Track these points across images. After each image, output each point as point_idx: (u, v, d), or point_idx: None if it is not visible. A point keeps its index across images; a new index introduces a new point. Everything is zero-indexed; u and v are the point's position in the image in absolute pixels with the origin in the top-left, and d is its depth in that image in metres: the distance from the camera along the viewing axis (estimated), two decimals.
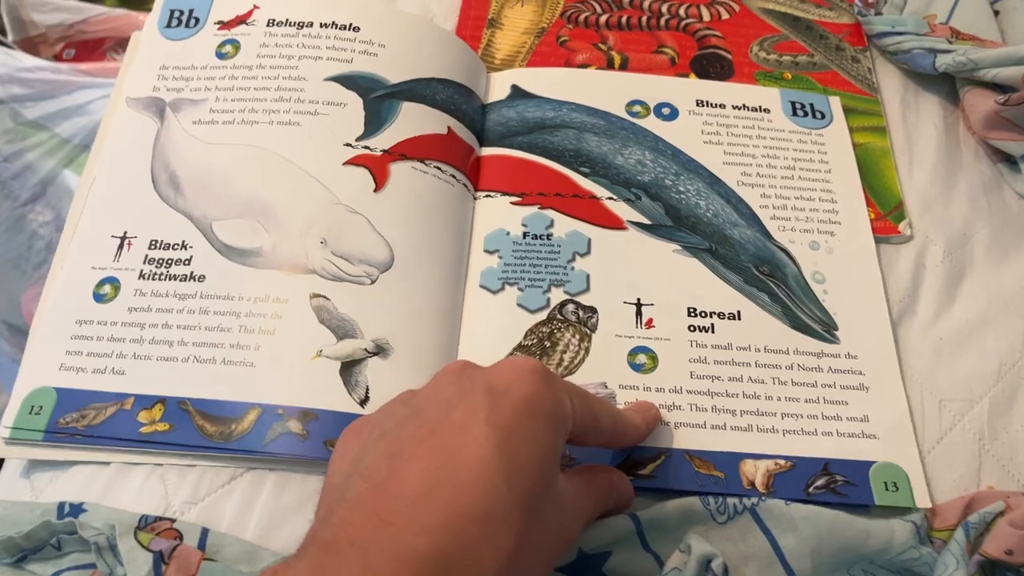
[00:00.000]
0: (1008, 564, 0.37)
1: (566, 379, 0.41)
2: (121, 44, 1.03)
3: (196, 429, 0.42)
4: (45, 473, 0.44)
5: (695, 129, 0.55)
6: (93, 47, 1.03)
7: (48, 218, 0.97)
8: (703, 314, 0.47)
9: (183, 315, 0.45)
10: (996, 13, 0.61)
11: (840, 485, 0.42)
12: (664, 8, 0.63)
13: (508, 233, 0.50)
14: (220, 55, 0.54)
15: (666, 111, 0.55)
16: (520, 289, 0.48)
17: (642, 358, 0.45)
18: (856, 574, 0.39)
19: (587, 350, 0.46)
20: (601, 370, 0.45)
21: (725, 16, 0.63)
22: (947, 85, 0.58)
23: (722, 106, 0.56)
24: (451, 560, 0.28)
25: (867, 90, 0.58)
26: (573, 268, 0.48)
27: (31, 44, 1.02)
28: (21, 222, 0.97)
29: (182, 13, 0.56)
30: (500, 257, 0.49)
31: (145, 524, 0.40)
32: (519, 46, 0.60)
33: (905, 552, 0.38)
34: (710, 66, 0.59)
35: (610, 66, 0.59)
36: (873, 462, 0.42)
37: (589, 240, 0.50)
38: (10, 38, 1.03)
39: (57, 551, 0.40)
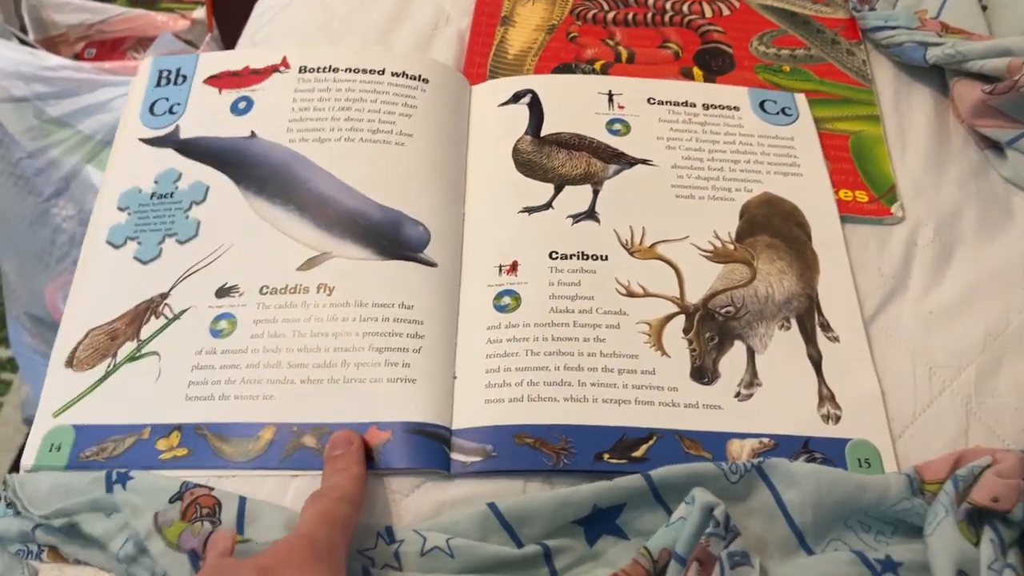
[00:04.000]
0: (994, 510, 0.40)
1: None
2: (141, 43, 1.06)
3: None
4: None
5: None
6: (113, 46, 1.06)
7: (71, 212, 0.99)
8: None
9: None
10: (984, 8, 0.65)
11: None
12: (668, 5, 0.66)
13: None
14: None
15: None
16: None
17: None
18: (853, 525, 0.42)
19: None
20: None
21: (726, 12, 0.66)
22: (937, 76, 0.62)
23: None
24: None
25: (862, 81, 0.61)
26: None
27: (52, 44, 1.05)
28: (45, 216, 1.00)
29: None
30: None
31: (185, 489, 0.43)
32: (531, 42, 0.64)
33: (899, 503, 0.41)
34: (712, 60, 0.63)
35: (617, 60, 0.62)
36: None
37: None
38: (31, 37, 1.05)
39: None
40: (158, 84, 0.59)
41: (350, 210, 0.52)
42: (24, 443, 0.46)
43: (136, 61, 1.01)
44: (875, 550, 0.41)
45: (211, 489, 0.43)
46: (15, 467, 0.46)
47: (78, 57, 1.06)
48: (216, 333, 0.48)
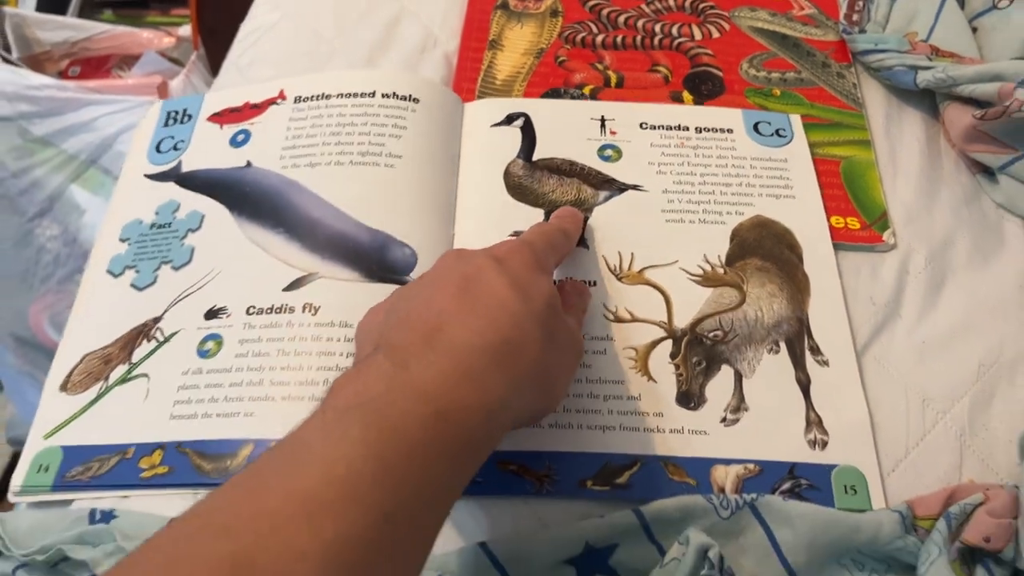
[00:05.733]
0: (986, 550, 0.40)
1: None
2: (125, 60, 1.05)
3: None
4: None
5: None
6: (98, 64, 1.05)
7: (55, 232, 0.99)
8: None
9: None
10: (974, 30, 0.64)
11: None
12: (657, 28, 0.66)
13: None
14: None
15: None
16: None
17: None
18: (847, 564, 0.42)
19: None
20: None
21: (716, 35, 0.66)
22: (928, 100, 0.61)
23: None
24: (501, 349, 0.35)
25: (852, 105, 0.61)
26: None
27: (36, 61, 1.04)
28: (29, 236, 0.99)
29: None
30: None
31: None
32: (519, 67, 0.63)
33: (892, 543, 0.41)
34: (702, 83, 0.62)
35: (607, 84, 0.62)
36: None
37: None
38: (15, 55, 1.05)
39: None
40: (166, 124, 0.61)
41: (338, 232, 0.52)
42: (8, 464, 0.47)
43: (120, 80, 1.01)
44: None
45: None
46: (1, 488, 0.46)
47: (62, 75, 1.05)
48: (203, 354, 0.48)
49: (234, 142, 0.58)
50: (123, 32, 1.03)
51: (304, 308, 0.49)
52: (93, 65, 1.04)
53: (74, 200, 0.97)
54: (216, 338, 0.49)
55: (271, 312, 0.49)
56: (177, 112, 0.61)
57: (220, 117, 0.60)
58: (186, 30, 1.06)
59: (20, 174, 0.96)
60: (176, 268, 0.52)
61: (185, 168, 0.58)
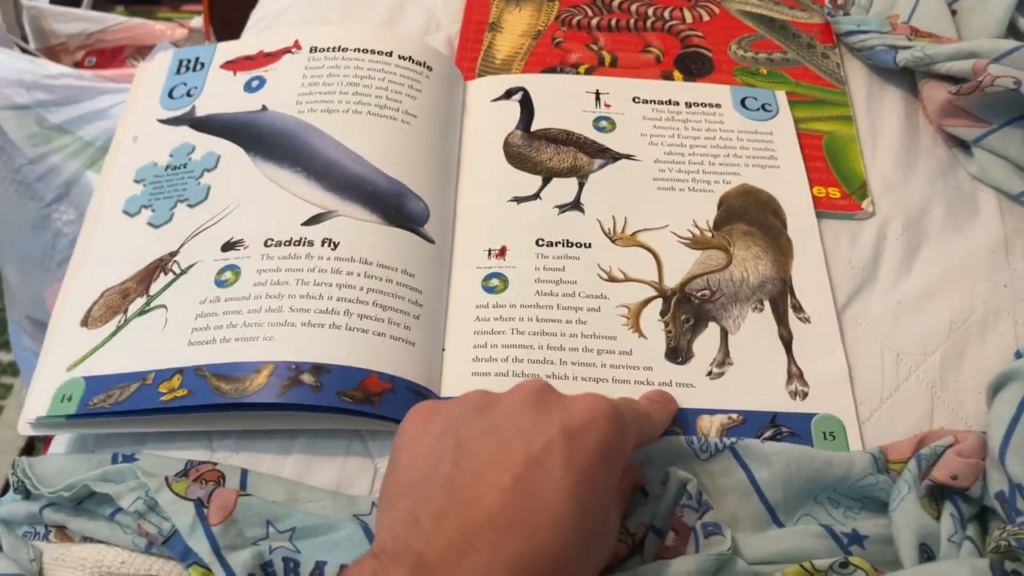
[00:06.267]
0: (953, 488, 0.42)
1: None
2: (140, 52, 1.08)
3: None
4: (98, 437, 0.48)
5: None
6: (112, 55, 1.08)
7: (72, 217, 1.02)
8: None
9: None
10: (954, 13, 0.67)
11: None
12: (650, 11, 0.69)
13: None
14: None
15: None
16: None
17: None
18: (822, 501, 0.44)
19: None
20: None
21: (706, 18, 0.69)
22: (908, 79, 0.64)
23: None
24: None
25: (836, 83, 0.64)
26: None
27: (53, 52, 1.08)
28: (46, 221, 1.02)
29: None
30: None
31: (190, 466, 0.45)
32: (517, 48, 0.66)
33: (864, 479, 0.43)
34: (692, 64, 0.65)
35: (601, 64, 0.65)
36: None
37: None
38: (32, 46, 1.08)
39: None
40: (178, 72, 0.62)
41: (357, 175, 0.54)
42: (28, 443, 0.48)
43: (135, 69, 1.04)
44: (842, 524, 0.43)
45: (215, 464, 0.46)
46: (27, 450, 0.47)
47: (78, 65, 1.08)
48: (221, 283, 0.50)
49: (248, 87, 0.60)
50: (137, 24, 1.06)
51: (324, 243, 0.51)
52: (108, 56, 1.07)
53: (90, 186, 0.99)
54: (234, 268, 0.50)
55: (290, 244, 0.51)
56: (189, 60, 0.62)
57: (234, 64, 0.61)
58: (198, 22, 1.09)
59: (38, 160, 0.99)
60: (192, 206, 0.54)
61: (199, 113, 0.59)
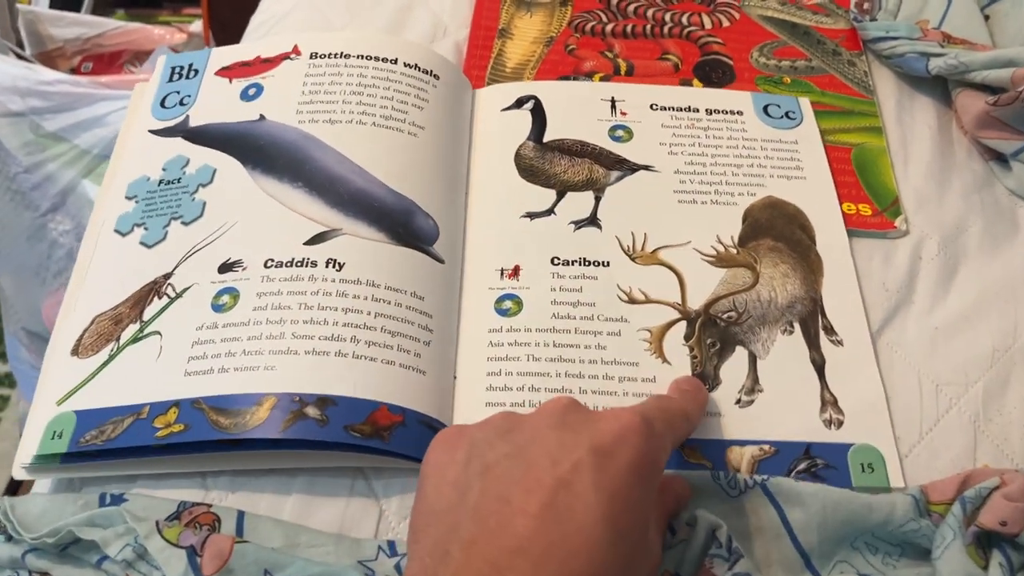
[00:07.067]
0: (1002, 535, 0.39)
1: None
2: (138, 57, 1.06)
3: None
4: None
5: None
6: (110, 60, 1.06)
7: (68, 227, 0.99)
8: None
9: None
10: (987, 17, 0.64)
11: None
12: (667, 16, 0.66)
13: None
14: None
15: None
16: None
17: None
18: (859, 547, 0.41)
19: None
20: None
21: (726, 24, 0.66)
22: (940, 87, 0.61)
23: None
24: None
25: (864, 92, 0.61)
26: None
27: (49, 58, 1.05)
28: (42, 231, 1.00)
29: None
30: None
31: (183, 508, 0.42)
32: (529, 55, 0.63)
33: (905, 524, 0.40)
34: (712, 72, 0.62)
35: (616, 73, 0.62)
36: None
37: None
38: (28, 52, 1.06)
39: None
40: (170, 79, 0.59)
41: (362, 190, 0.51)
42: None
43: (133, 75, 1.01)
44: (882, 573, 0.40)
45: (209, 506, 0.43)
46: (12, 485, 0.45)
47: (75, 71, 1.06)
48: (218, 308, 0.47)
49: (245, 96, 0.57)
50: (135, 28, 1.04)
51: (328, 263, 0.48)
52: (105, 61, 1.04)
53: (87, 195, 0.97)
54: (232, 292, 0.47)
55: (291, 266, 0.48)
56: (182, 67, 0.59)
57: (229, 71, 0.58)
58: (198, 26, 1.07)
59: (33, 169, 0.96)
60: (187, 223, 0.51)
61: (193, 123, 0.56)
